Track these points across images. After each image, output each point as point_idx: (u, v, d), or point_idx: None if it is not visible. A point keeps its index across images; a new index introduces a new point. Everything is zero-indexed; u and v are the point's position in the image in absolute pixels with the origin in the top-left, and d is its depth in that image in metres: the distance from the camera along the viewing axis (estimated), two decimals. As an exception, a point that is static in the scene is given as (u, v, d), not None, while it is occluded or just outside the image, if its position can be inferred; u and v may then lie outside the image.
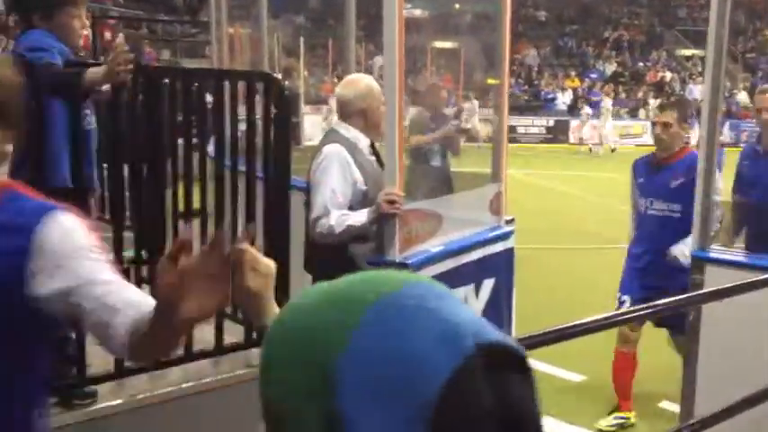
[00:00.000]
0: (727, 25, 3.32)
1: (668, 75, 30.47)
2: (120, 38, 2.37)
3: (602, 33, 33.42)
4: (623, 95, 28.60)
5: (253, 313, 1.30)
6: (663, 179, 4.14)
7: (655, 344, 4.44)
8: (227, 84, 3.28)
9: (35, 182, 2.52)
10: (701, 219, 3.31)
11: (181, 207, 3.54)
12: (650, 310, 2.36)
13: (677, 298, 2.59)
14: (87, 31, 2.75)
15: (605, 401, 4.46)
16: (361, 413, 0.63)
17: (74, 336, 2.71)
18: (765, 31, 33.01)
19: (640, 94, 28.69)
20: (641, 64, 31.67)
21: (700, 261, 3.27)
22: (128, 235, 3.25)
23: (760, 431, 3.10)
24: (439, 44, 24.53)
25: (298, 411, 0.66)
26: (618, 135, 24.85)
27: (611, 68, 30.89)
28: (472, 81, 24.36)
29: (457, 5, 26.92)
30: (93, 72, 2.41)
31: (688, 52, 31.78)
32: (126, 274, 3.67)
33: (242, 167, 3.20)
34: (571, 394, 4.77)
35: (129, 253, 3.41)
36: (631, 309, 2.29)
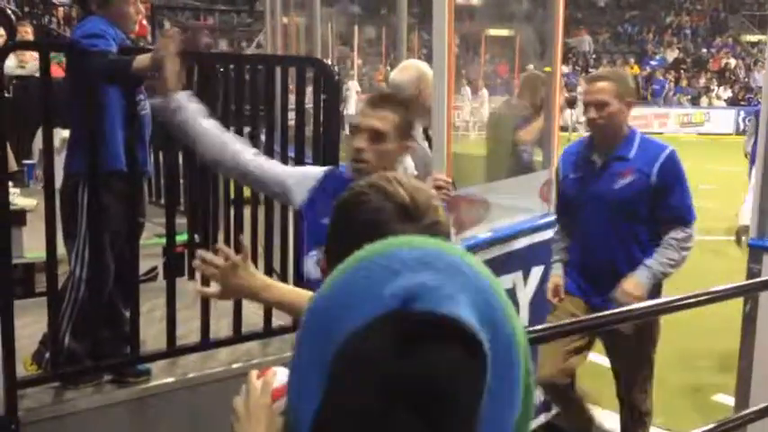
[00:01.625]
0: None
1: (732, 61, 29.51)
2: (169, 26, 2.43)
3: (664, 19, 32.54)
4: (684, 83, 27.83)
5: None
6: None
7: (709, 334, 4.33)
8: (278, 69, 3.32)
9: (91, 165, 2.61)
10: (760, 208, 3.21)
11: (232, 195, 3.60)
12: (703, 298, 2.29)
13: (732, 286, 2.52)
14: (142, 17, 2.81)
15: (664, 393, 4.37)
16: (301, 358, 0.69)
17: (128, 314, 2.79)
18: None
19: (702, 82, 27.88)
20: (704, 50, 30.74)
21: (757, 250, 3.17)
22: (180, 221, 3.34)
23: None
24: (494, 32, 24.29)
25: None
26: (678, 124, 24.26)
27: (672, 55, 30.07)
28: (526, 69, 23.97)
29: (513, -8, 26.46)
30: (141, 59, 2.46)
31: (753, 38, 30.70)
32: (180, 256, 3.78)
33: (292, 154, 3.24)
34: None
35: (182, 237, 3.50)
36: (678, 297, 2.22)
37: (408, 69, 3.51)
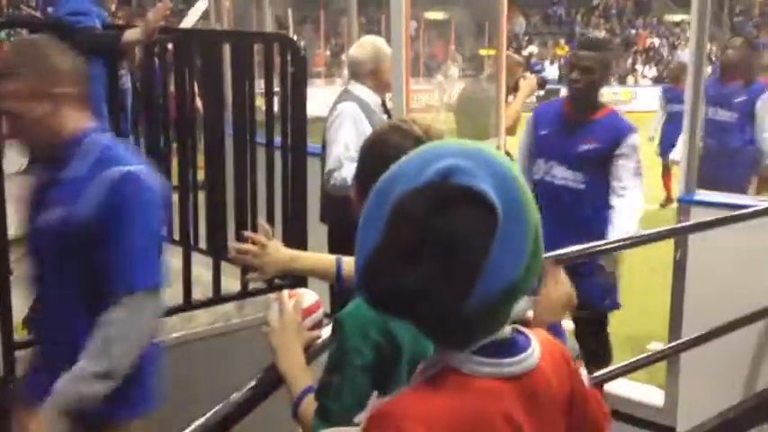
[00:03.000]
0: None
1: (657, 41, 30.64)
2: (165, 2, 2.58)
3: (591, 0, 33.47)
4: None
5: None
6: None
7: (643, 287, 4.71)
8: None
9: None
10: (688, 164, 3.54)
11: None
12: (629, 242, 2.55)
13: (661, 230, 2.83)
14: None
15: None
16: (364, 217, 0.92)
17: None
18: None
19: (630, 61, 28.87)
20: (631, 30, 31.79)
21: (686, 204, 3.51)
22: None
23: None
24: (431, 15, 24.62)
25: None
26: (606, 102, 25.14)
27: (600, 35, 31.03)
28: (462, 51, 24.38)
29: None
30: (132, 32, 2.62)
31: (676, 18, 31.90)
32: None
33: (260, 140, 3.40)
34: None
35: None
36: (611, 240, 2.44)
37: (365, 46, 3.74)
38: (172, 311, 3.12)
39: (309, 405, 1.38)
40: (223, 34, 4.24)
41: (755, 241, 3.28)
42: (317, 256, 1.86)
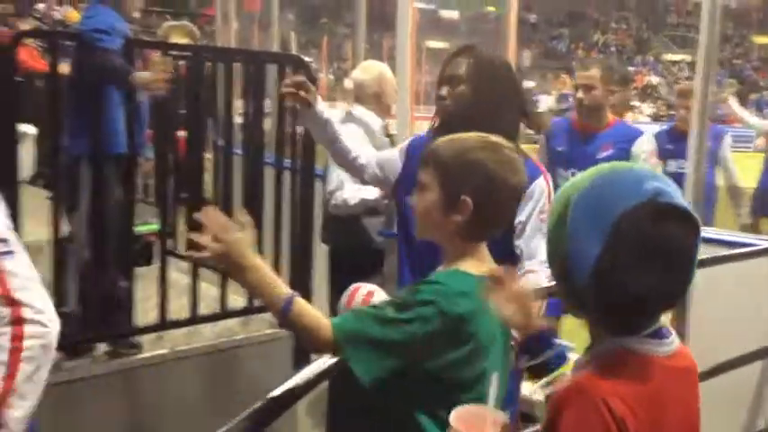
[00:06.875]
0: (717, 33, 3.54)
1: (655, 79, 30.98)
2: (160, 57, 2.70)
3: (592, 37, 33.91)
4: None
5: None
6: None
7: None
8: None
9: (95, 149, 2.81)
10: (693, 201, 3.58)
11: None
12: None
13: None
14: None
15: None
16: (579, 229, 1.12)
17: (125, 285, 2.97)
18: (751, 38, 33.62)
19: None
20: (630, 68, 32.18)
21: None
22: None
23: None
24: (432, 44, 24.87)
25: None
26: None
27: (599, 72, 31.37)
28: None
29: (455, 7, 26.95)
30: (141, 76, 2.69)
31: (675, 57, 32.32)
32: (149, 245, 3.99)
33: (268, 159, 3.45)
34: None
35: (152, 226, 3.72)
36: None
37: (370, 69, 3.79)
38: (177, 325, 3.15)
39: (303, 309, 1.39)
40: (235, 52, 4.29)
41: (755, 280, 3.32)
42: (272, 278, 1.44)
